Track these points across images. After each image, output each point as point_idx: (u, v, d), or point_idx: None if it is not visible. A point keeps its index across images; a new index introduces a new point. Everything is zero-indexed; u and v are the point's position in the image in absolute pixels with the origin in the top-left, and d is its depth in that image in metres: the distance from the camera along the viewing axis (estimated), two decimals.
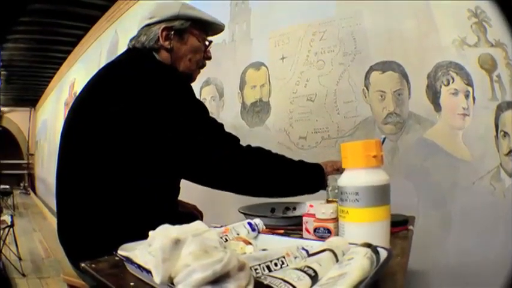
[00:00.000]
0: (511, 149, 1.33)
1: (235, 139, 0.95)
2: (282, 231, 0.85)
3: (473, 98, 1.39)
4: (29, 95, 8.77)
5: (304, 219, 0.79)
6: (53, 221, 5.05)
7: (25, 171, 10.60)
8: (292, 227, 0.92)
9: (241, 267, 0.40)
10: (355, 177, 0.65)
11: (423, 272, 1.36)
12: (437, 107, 1.44)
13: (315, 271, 0.44)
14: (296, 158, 1.01)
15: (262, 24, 2.00)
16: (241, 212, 1.04)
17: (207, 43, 1.13)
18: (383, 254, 0.50)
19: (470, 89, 1.40)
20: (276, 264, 0.51)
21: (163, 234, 0.50)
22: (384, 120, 1.54)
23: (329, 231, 0.72)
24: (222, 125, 0.95)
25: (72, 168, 0.93)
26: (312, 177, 0.98)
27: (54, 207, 5.42)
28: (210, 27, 1.12)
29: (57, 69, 6.35)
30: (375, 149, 0.64)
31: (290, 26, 1.87)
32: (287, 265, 0.52)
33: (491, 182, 1.33)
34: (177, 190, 1.06)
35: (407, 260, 0.67)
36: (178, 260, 0.42)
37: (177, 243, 0.43)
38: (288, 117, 1.80)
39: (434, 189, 1.40)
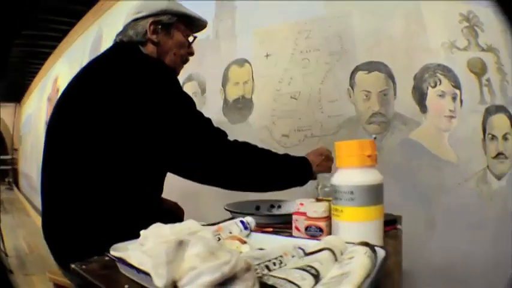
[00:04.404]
0: (499, 152, 1.26)
1: (223, 133, 0.92)
2: (270, 229, 0.82)
3: (461, 101, 1.33)
4: (14, 90, 8.47)
5: (294, 217, 0.76)
6: (36, 217, 4.93)
7: (9, 167, 10.24)
8: (279, 225, 0.87)
9: (247, 268, 0.38)
10: (350, 176, 0.63)
11: (407, 272, 1.29)
12: (424, 108, 1.37)
13: (317, 270, 0.43)
14: None
15: (247, 21, 1.88)
16: (227, 210, 0.98)
17: (190, 39, 1.11)
18: (380, 252, 0.50)
19: (457, 91, 1.33)
20: (274, 264, 0.49)
21: (156, 233, 0.51)
22: (369, 119, 1.45)
23: (321, 230, 0.70)
24: (209, 119, 0.92)
25: (57, 166, 0.89)
26: (299, 170, 0.97)
27: (37, 203, 5.20)
28: (194, 24, 1.10)
29: (43, 64, 6.11)
30: (370, 148, 0.64)
31: (275, 23, 1.76)
32: (285, 264, 0.49)
33: (478, 184, 1.27)
34: (162, 188, 1.01)
35: (401, 259, 0.68)
36: (182, 262, 0.39)
37: (181, 244, 0.40)
38: (271, 115, 1.69)
39: (419, 189, 1.33)
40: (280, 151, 0.95)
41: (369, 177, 0.62)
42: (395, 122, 1.40)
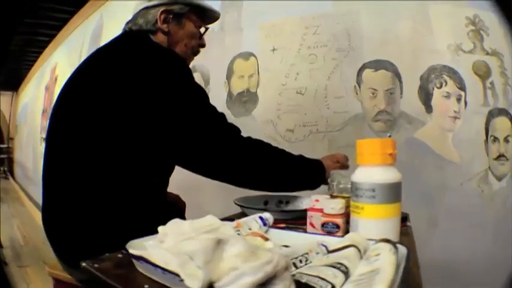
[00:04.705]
0: (501, 154, 1.27)
1: (236, 129, 0.88)
2: (283, 225, 0.80)
3: (465, 102, 1.34)
4: (12, 79, 8.29)
5: (309, 213, 0.74)
6: (31, 207, 4.83)
7: (5, 156, 10.06)
8: (290, 220, 0.86)
9: (286, 267, 0.37)
10: (372, 173, 0.62)
11: None
12: (429, 108, 1.38)
13: (346, 267, 0.42)
14: None
15: (254, 15, 1.84)
16: (238, 204, 0.96)
17: (202, 30, 1.06)
18: (401, 249, 0.48)
19: (462, 93, 1.35)
20: (300, 261, 0.48)
21: (175, 230, 0.50)
22: (374, 117, 1.44)
23: (337, 227, 0.69)
24: (223, 114, 0.88)
25: (61, 158, 0.84)
26: (313, 174, 0.93)
27: (32, 193, 5.04)
28: (206, 15, 1.05)
29: (41, 52, 5.96)
30: (391, 147, 0.63)
31: (282, 18, 1.73)
32: (310, 261, 0.48)
33: (479, 185, 1.28)
34: (167, 182, 0.98)
35: (417, 254, 0.67)
36: (221, 262, 0.38)
37: (219, 243, 0.39)
38: (276, 109, 1.66)
39: (422, 188, 1.33)
40: (285, 146, 0.93)
41: (390, 175, 0.61)
42: (400, 121, 1.40)
